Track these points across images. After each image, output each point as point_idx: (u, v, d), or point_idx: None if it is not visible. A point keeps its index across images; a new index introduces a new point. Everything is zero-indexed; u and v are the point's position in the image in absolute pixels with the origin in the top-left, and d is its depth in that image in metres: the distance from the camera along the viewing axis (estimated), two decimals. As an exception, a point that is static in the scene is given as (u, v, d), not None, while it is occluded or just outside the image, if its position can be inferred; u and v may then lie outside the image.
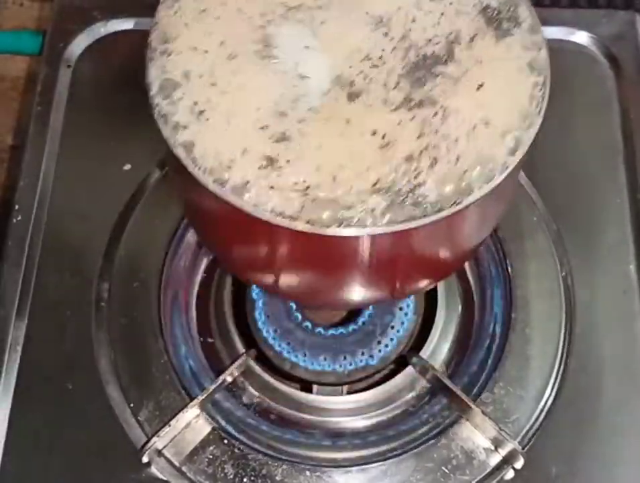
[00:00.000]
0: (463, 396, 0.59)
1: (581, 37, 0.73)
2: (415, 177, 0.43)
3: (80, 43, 0.74)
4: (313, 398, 0.62)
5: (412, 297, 0.63)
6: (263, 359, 0.63)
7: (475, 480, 0.58)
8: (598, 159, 0.68)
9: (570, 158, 0.68)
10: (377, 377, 0.64)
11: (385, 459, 0.59)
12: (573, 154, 0.68)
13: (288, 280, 0.50)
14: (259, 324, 0.62)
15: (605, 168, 0.68)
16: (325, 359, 0.61)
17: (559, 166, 0.68)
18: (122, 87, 0.71)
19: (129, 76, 0.71)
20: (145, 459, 0.58)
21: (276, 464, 0.58)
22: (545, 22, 0.73)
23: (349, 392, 0.63)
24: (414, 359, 0.62)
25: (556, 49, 0.73)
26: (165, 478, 0.58)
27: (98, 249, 0.65)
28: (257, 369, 0.63)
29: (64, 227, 0.66)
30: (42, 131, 0.70)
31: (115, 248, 0.65)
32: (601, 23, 0.74)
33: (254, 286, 0.63)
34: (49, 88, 0.72)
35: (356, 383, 0.63)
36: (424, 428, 0.60)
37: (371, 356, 0.61)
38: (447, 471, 0.58)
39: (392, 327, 0.62)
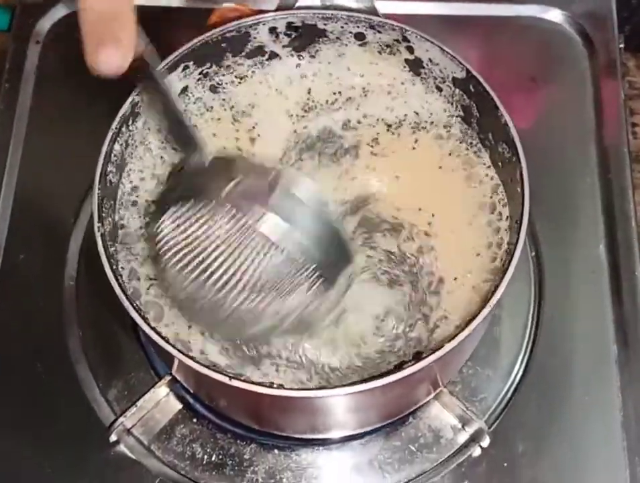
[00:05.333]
0: (432, 375, 0.59)
1: (555, 15, 0.73)
2: None
3: (49, 20, 0.73)
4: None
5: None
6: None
7: (443, 458, 0.58)
8: (569, 138, 0.68)
9: (542, 136, 0.67)
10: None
11: (353, 438, 0.59)
12: (544, 132, 0.67)
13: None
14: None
15: (576, 146, 0.67)
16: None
17: (530, 144, 0.67)
18: (91, 64, 0.71)
19: (98, 53, 0.71)
20: (113, 438, 0.58)
21: (245, 442, 0.59)
22: (519, -1, 0.74)
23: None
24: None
25: (529, 26, 0.73)
26: (134, 457, 0.58)
27: (67, 227, 0.65)
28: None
29: (31, 205, 0.66)
30: (10, 107, 0.69)
31: (84, 226, 0.64)
32: (575, 1, 0.73)
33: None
34: (18, 64, 0.71)
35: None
36: (393, 407, 0.61)
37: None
38: (414, 449, 0.58)
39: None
